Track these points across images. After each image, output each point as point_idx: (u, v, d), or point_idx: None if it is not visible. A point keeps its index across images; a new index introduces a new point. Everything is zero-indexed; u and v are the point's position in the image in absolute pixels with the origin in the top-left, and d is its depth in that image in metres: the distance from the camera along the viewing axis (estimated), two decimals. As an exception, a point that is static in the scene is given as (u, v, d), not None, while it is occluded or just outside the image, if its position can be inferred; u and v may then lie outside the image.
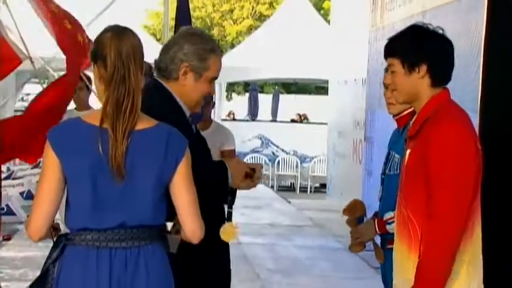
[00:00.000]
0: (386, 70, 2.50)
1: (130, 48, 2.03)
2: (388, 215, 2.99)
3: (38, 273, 2.10)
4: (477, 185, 2.27)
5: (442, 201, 2.20)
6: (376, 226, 3.03)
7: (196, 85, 2.54)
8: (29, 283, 2.11)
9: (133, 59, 2.03)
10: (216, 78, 2.60)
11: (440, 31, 2.37)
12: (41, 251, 4.58)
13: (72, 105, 5.47)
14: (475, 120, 4.40)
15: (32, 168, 8.64)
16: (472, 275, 2.28)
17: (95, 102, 4.96)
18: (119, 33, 2.05)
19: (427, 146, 2.25)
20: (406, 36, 2.37)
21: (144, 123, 2.06)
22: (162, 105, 2.44)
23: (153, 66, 2.64)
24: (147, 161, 2.02)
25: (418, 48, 2.32)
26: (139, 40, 2.09)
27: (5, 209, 7.34)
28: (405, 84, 2.34)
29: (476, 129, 4.29)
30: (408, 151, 2.36)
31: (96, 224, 2.01)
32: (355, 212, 3.26)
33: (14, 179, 8.80)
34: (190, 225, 2.10)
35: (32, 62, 4.76)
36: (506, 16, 4.25)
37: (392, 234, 2.77)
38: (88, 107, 5.37)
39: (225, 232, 2.52)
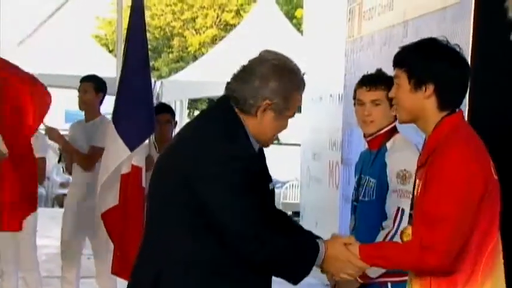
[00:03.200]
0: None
1: None
2: None
3: None
4: (482, 218, 2.28)
5: (438, 234, 2.22)
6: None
7: (275, 123, 2.47)
8: None
9: None
10: (293, 115, 2.52)
11: (458, 49, 2.37)
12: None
13: None
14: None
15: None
16: None
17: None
18: None
19: (433, 177, 2.26)
20: (418, 49, 2.37)
21: None
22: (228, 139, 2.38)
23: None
24: None
25: (428, 66, 2.31)
26: None
27: None
28: (408, 101, 2.34)
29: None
30: (417, 182, 2.37)
31: None
32: None
33: None
34: None
35: None
36: (493, 27, 4.34)
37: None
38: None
39: None
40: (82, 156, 4.92)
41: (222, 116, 2.44)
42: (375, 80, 3.15)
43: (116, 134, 4.42)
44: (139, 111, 4.46)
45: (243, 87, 2.42)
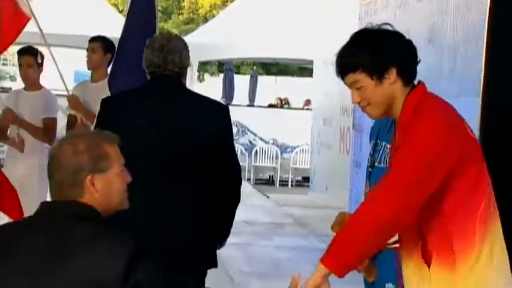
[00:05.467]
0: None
1: None
2: None
3: None
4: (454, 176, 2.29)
5: (396, 178, 2.29)
6: None
7: None
8: None
9: None
10: None
11: (388, 27, 2.40)
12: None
13: (19, 85, 5.40)
14: (476, 100, 4.44)
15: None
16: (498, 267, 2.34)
17: (49, 80, 4.93)
18: None
19: (405, 146, 2.32)
20: (360, 45, 2.38)
21: None
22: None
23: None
24: None
25: (381, 53, 2.34)
26: None
27: None
28: (379, 95, 2.36)
29: (479, 109, 4.36)
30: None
31: None
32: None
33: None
34: None
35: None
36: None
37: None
38: (39, 87, 5.33)
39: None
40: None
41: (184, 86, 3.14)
42: None
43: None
44: (133, 73, 4.43)
45: (182, 58, 3.02)
